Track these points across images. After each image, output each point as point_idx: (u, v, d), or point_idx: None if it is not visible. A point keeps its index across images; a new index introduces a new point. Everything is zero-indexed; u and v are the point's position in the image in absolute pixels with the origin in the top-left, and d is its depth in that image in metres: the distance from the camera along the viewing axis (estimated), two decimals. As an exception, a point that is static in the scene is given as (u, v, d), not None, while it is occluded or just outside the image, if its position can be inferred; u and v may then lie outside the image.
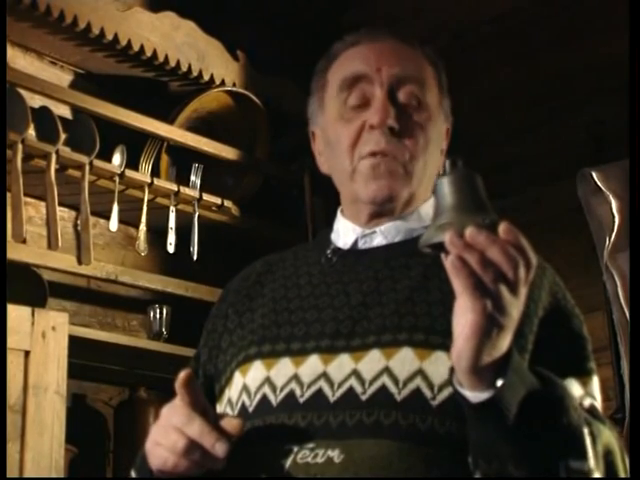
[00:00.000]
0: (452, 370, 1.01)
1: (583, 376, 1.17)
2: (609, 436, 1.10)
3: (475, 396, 0.98)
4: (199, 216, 2.81)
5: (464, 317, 0.96)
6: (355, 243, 1.31)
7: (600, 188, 2.69)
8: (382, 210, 1.29)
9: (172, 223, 2.75)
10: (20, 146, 2.42)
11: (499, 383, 0.97)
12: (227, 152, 2.93)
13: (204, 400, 1.12)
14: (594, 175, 2.71)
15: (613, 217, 2.66)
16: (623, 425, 2.51)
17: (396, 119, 1.26)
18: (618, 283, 2.61)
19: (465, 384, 0.99)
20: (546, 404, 1.01)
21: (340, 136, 1.30)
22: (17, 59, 2.66)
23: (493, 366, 0.97)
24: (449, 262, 0.95)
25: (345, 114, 1.31)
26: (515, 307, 0.96)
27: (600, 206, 2.69)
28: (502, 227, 0.95)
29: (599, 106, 2.81)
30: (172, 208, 2.77)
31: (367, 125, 1.27)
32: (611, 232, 2.66)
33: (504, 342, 0.97)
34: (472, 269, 0.94)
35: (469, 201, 0.99)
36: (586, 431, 1.04)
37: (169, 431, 1.09)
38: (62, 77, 2.79)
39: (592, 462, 1.03)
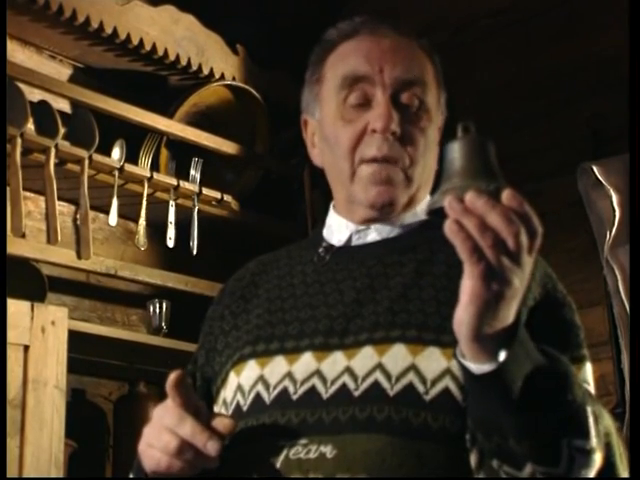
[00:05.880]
0: (456, 342, 0.99)
1: (576, 362, 1.16)
2: (608, 418, 1.09)
3: (478, 367, 0.97)
4: (199, 210, 2.81)
5: (464, 283, 0.94)
6: (349, 239, 1.30)
7: (601, 182, 2.69)
8: (380, 214, 1.28)
9: (172, 217, 2.75)
10: (19, 140, 2.42)
11: (502, 355, 0.96)
12: (227, 146, 2.93)
13: (196, 400, 1.12)
14: (594, 169, 2.70)
15: (614, 211, 2.66)
16: (623, 420, 2.50)
17: (399, 124, 1.25)
18: (619, 277, 2.60)
19: (467, 354, 0.98)
20: (551, 379, 1.00)
21: (340, 137, 1.28)
22: (16, 53, 2.66)
23: (496, 337, 0.96)
24: (446, 226, 0.93)
25: (345, 114, 1.28)
26: (517, 276, 0.93)
27: (600, 200, 2.68)
28: (506, 193, 0.92)
29: (599, 100, 2.80)
30: (172, 202, 2.76)
31: (369, 129, 1.26)
32: (611, 226, 2.65)
33: (506, 312, 0.96)
34: (469, 233, 0.92)
35: (477, 167, 0.97)
36: (589, 409, 1.03)
37: (161, 432, 1.09)
38: (61, 71, 2.78)
39: (594, 441, 1.02)
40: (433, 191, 1.26)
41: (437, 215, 0.97)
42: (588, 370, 1.20)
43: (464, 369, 0.99)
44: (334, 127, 1.29)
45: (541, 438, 0.99)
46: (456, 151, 0.98)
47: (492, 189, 0.93)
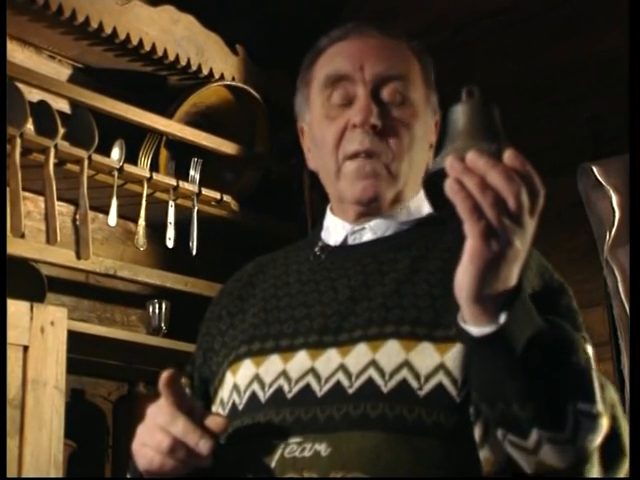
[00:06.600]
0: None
1: None
2: (613, 391, 1.09)
3: (479, 330, 0.97)
4: (198, 211, 2.80)
5: (466, 244, 0.94)
6: (345, 239, 1.31)
7: (600, 183, 2.68)
8: (368, 210, 1.29)
9: (171, 218, 2.74)
10: (18, 140, 2.41)
11: (503, 317, 0.95)
12: (226, 147, 2.93)
13: (190, 399, 1.13)
14: (594, 170, 2.70)
15: (613, 212, 2.65)
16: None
17: (379, 117, 1.25)
18: (618, 278, 2.60)
19: (468, 317, 0.97)
20: (555, 342, 0.99)
21: (325, 135, 1.30)
22: (15, 53, 2.66)
23: (497, 298, 0.95)
24: (447, 185, 0.92)
25: (329, 112, 1.30)
26: (518, 236, 0.92)
27: (600, 201, 2.68)
28: (507, 153, 0.92)
29: (599, 100, 2.80)
30: (171, 203, 2.76)
31: (350, 124, 1.27)
32: (611, 227, 2.65)
33: (508, 273, 0.95)
34: (469, 192, 0.91)
35: (479, 128, 0.96)
36: (594, 374, 1.03)
37: (154, 431, 1.09)
38: (60, 71, 2.78)
39: (600, 406, 1.02)
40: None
41: (439, 177, 0.96)
42: (589, 351, 1.20)
43: (466, 335, 0.99)
44: (320, 127, 1.31)
45: (545, 401, 0.99)
46: (459, 113, 0.98)
47: (494, 149, 0.93)
